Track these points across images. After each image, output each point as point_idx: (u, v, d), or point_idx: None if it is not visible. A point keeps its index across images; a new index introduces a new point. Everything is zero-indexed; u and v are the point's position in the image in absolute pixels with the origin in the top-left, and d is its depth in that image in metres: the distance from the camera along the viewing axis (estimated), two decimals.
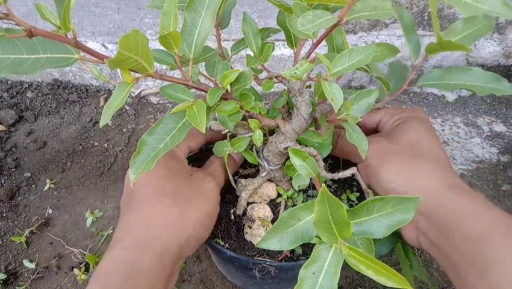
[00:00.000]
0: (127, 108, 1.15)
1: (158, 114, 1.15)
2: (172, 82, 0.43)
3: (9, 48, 0.37)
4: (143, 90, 0.47)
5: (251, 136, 0.51)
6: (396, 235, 0.51)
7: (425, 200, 0.39)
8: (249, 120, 0.47)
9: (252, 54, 0.50)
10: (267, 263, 0.49)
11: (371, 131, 0.57)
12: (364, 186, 0.49)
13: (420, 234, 0.46)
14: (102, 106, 1.17)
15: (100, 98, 1.17)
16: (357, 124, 0.46)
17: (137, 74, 0.39)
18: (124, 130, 1.10)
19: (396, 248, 0.51)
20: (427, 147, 0.49)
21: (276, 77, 0.47)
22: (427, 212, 0.43)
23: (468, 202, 0.42)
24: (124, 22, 1.07)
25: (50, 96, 1.16)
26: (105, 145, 1.07)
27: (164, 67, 0.43)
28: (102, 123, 0.38)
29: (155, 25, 1.07)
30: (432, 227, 0.43)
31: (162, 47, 0.40)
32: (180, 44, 0.40)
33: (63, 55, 0.39)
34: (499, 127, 1.12)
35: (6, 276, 0.80)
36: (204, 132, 0.40)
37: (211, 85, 0.46)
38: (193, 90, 0.44)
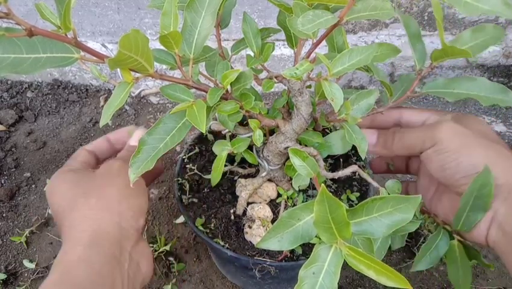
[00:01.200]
0: (127, 107, 1.15)
1: (158, 114, 1.15)
2: (172, 82, 0.43)
3: (10, 47, 0.37)
4: (143, 89, 0.47)
5: (251, 136, 0.51)
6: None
7: None
8: (249, 120, 0.47)
9: (252, 54, 0.50)
10: (267, 263, 0.49)
11: None
12: (373, 183, 0.47)
13: (493, 225, 0.42)
14: (102, 106, 1.17)
15: (100, 98, 1.17)
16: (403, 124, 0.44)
17: (137, 74, 0.39)
18: None
19: (449, 249, 0.47)
20: (495, 136, 0.46)
21: (276, 77, 0.47)
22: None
23: None
24: (124, 22, 1.07)
25: (50, 96, 1.16)
26: None
27: (164, 66, 0.43)
28: (102, 123, 0.38)
29: (155, 25, 1.07)
30: None
31: (162, 47, 0.40)
32: (180, 44, 0.40)
33: (63, 54, 0.39)
34: (499, 127, 1.11)
35: (6, 276, 0.80)
36: (204, 132, 0.40)
37: (211, 85, 0.46)
38: (193, 90, 0.44)
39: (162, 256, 0.80)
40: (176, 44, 0.39)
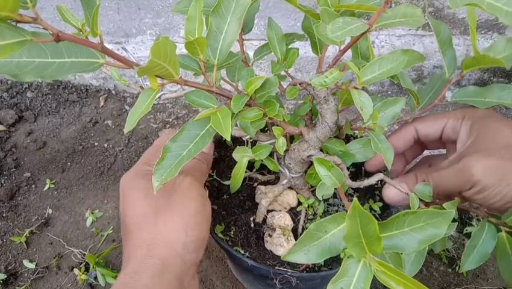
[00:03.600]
0: (127, 108, 1.15)
1: (158, 114, 1.15)
2: (196, 88, 0.42)
3: (34, 51, 0.36)
4: (164, 93, 0.46)
5: (272, 143, 0.50)
6: None
7: None
8: (272, 127, 0.47)
9: (275, 60, 0.49)
10: (289, 273, 0.48)
11: (436, 142, 0.53)
12: (403, 190, 0.45)
13: None
14: (102, 106, 1.17)
15: (100, 98, 1.18)
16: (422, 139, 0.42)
17: (163, 81, 0.38)
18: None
19: (498, 242, 0.43)
20: None
21: (300, 84, 0.46)
22: None
23: None
24: (124, 22, 1.07)
25: (50, 96, 1.16)
26: (105, 145, 1.07)
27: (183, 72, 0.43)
28: (126, 130, 0.37)
29: (155, 25, 1.07)
30: None
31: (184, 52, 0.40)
32: (205, 50, 0.39)
33: (88, 59, 0.38)
34: None
35: (6, 276, 0.81)
36: (229, 139, 0.39)
37: (228, 87, 0.45)
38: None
39: None
40: (201, 50, 0.39)
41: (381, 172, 0.47)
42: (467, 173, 0.43)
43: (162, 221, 0.45)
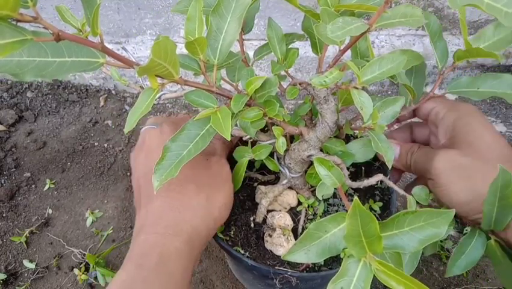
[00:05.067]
0: (127, 108, 1.15)
1: (158, 114, 1.15)
2: (196, 88, 0.42)
3: (35, 51, 0.36)
4: (164, 93, 0.46)
5: (272, 143, 0.50)
6: None
7: None
8: (272, 127, 0.47)
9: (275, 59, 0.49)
10: (289, 273, 0.48)
11: (423, 128, 0.55)
12: (400, 191, 0.46)
13: None
14: (102, 106, 1.17)
15: (100, 98, 1.18)
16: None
17: (163, 80, 0.38)
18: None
19: (489, 249, 0.44)
20: (497, 151, 0.44)
21: (300, 84, 0.46)
22: None
23: None
24: (124, 22, 1.07)
25: (50, 96, 1.16)
26: (105, 145, 1.07)
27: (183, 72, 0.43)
28: (126, 130, 0.37)
29: (155, 25, 1.07)
30: None
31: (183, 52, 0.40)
32: (205, 49, 0.39)
33: (88, 59, 0.38)
34: (499, 127, 1.10)
35: (6, 276, 0.81)
36: (229, 139, 0.39)
37: (228, 87, 0.45)
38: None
39: None
40: (201, 50, 0.39)
41: (379, 169, 0.47)
42: (431, 162, 0.45)
43: (203, 193, 0.47)
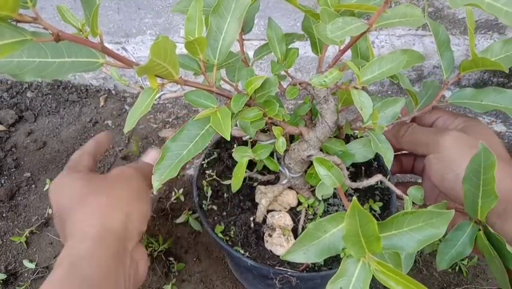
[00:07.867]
0: (127, 108, 1.15)
1: (158, 114, 1.14)
2: (196, 88, 0.42)
3: (35, 51, 0.36)
4: (164, 93, 0.46)
5: (272, 143, 0.50)
6: None
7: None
8: (272, 127, 0.47)
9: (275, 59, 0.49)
10: (289, 273, 0.48)
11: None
12: (397, 191, 0.46)
13: None
14: (102, 106, 1.17)
15: (100, 98, 1.18)
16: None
17: (163, 81, 0.38)
18: None
19: (478, 240, 0.43)
20: (501, 150, 0.45)
21: (300, 84, 0.46)
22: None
23: None
24: (124, 22, 1.07)
25: (50, 96, 1.16)
26: None
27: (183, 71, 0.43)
28: (126, 129, 0.37)
29: (155, 25, 1.06)
30: None
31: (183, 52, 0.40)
32: (205, 49, 0.39)
33: (88, 59, 0.38)
34: (499, 127, 1.10)
35: (6, 276, 0.80)
36: (228, 139, 0.39)
37: (228, 87, 0.45)
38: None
39: (162, 256, 0.80)
40: (201, 50, 0.39)
41: (378, 169, 0.47)
42: (439, 136, 0.45)
43: (104, 196, 0.47)
